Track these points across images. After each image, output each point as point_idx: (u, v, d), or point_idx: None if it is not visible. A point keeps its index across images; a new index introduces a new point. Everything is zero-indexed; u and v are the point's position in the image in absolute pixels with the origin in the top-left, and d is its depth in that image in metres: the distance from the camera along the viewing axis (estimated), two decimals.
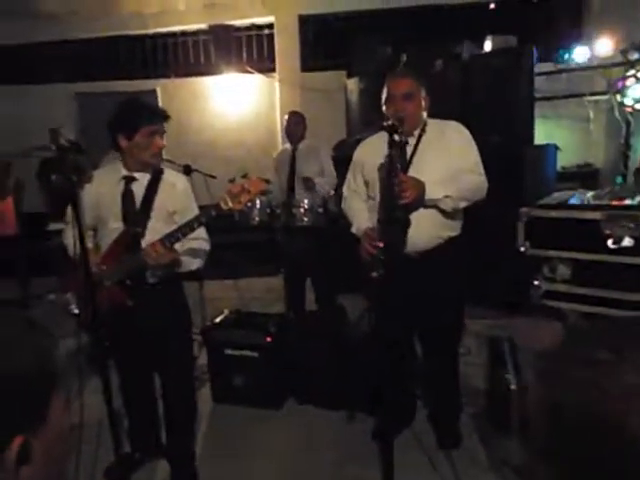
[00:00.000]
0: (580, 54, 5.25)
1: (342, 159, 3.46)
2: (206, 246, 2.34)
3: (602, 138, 5.88)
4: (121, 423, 2.49)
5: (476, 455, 2.58)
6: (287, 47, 7.00)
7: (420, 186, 2.26)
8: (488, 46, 4.91)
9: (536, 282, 3.48)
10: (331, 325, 3.42)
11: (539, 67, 4.78)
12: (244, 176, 2.10)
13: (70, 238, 1.99)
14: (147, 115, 2.19)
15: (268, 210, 4.00)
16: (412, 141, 2.43)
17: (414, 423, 2.84)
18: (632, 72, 4.83)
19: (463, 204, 2.39)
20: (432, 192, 2.29)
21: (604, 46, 5.21)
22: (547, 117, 5.52)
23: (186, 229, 2.11)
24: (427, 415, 2.90)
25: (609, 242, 3.15)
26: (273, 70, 7.12)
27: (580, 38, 5.82)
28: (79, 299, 2.26)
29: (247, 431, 2.96)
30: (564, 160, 5.51)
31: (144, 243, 2.18)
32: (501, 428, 2.61)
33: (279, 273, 4.81)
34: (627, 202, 3.46)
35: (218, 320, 3.35)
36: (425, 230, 2.36)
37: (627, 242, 3.09)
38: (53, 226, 4.48)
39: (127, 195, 2.25)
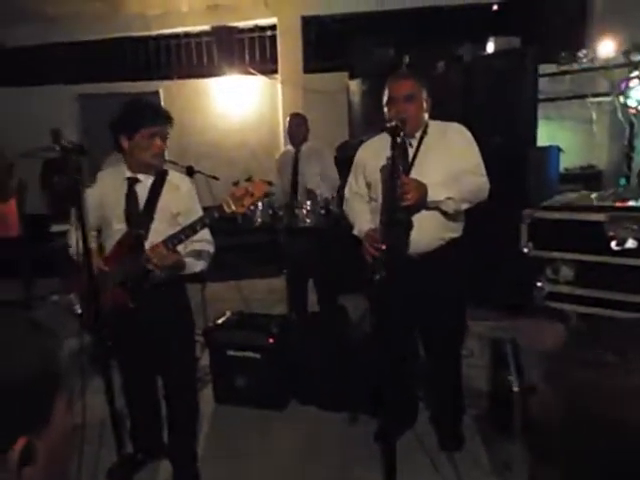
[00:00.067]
0: (583, 55, 5.24)
1: (344, 160, 3.46)
2: (210, 248, 2.33)
3: (605, 140, 5.85)
4: (123, 423, 2.48)
5: (478, 457, 2.58)
6: (290, 48, 7.00)
7: (422, 188, 2.25)
8: (490, 47, 4.90)
9: (539, 284, 3.47)
10: (333, 326, 3.42)
11: (542, 68, 4.77)
12: (248, 179, 2.07)
13: (74, 239, 1.99)
14: (149, 116, 2.19)
15: (270, 211, 3.99)
16: (414, 143, 2.42)
17: (416, 425, 2.84)
18: (635, 73, 4.82)
19: (465, 206, 2.39)
20: (434, 194, 2.29)
21: (607, 47, 5.20)
22: (550, 118, 5.50)
23: (189, 231, 2.09)
24: (429, 417, 2.89)
25: (612, 244, 3.14)
26: (276, 72, 7.12)
27: (583, 39, 5.81)
28: (82, 300, 2.26)
29: (249, 432, 2.95)
30: (567, 162, 5.48)
31: (147, 245, 2.17)
32: (504, 430, 2.60)
33: (281, 274, 4.81)
34: (631, 204, 3.44)
35: (220, 321, 3.35)
36: (427, 232, 2.36)
37: (631, 244, 3.08)
38: (56, 227, 4.46)
39: (131, 197, 2.25)
